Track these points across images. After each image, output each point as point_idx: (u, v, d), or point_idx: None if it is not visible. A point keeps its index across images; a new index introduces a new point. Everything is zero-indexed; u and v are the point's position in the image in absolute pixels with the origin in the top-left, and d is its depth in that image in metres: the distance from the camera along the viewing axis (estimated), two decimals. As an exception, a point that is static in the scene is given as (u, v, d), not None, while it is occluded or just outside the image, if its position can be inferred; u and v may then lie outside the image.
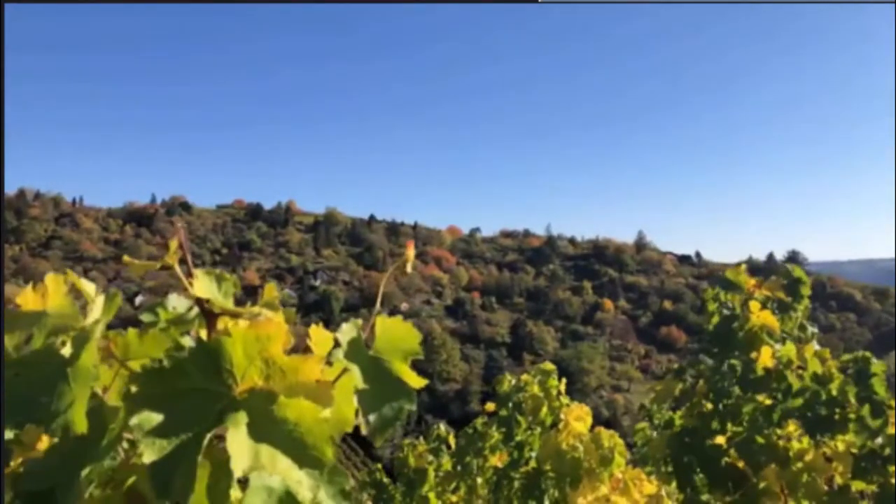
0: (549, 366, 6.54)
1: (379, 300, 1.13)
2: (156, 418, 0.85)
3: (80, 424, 0.89)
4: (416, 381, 1.03)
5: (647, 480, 5.32)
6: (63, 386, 0.91)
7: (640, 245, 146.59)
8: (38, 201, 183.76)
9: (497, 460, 6.98)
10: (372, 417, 0.99)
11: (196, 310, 1.20)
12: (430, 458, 7.89)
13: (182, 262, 1.02)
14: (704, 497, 4.32)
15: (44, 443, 1.12)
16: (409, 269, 1.12)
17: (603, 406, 72.73)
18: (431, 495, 7.54)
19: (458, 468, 7.35)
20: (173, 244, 1.03)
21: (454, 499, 7.31)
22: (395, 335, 1.06)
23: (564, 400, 6.25)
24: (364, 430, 0.98)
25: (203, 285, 0.99)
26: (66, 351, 0.95)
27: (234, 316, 0.98)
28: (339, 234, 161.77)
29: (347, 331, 1.02)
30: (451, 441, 7.98)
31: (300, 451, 0.89)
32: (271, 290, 1.03)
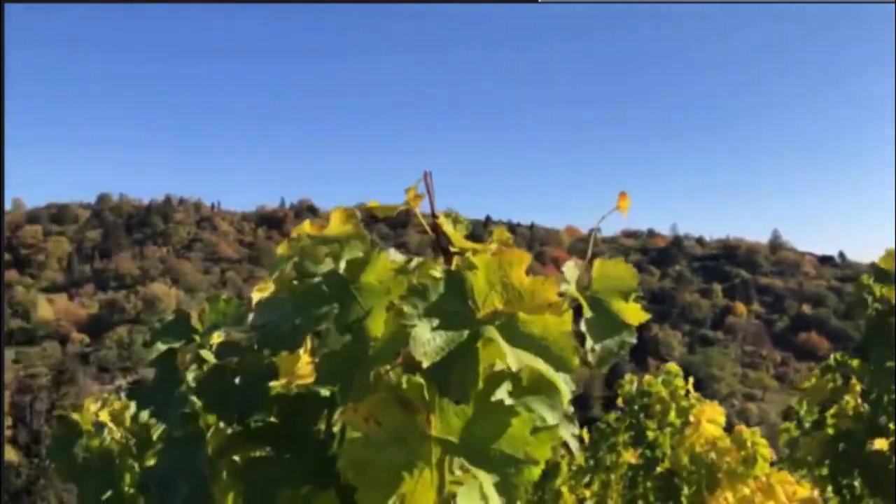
0: (673, 367, 6.39)
1: (590, 249, 1.21)
2: (425, 328, 0.99)
3: (377, 329, 1.05)
4: (636, 317, 1.09)
5: (798, 484, 5.07)
6: (351, 301, 1.06)
7: (776, 245, 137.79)
8: (182, 206, 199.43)
9: (632, 457, 6.88)
10: (597, 347, 1.07)
11: (416, 261, 1.33)
12: (563, 451, 7.90)
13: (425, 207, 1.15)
14: (866, 504, 4.07)
15: (303, 366, 1.29)
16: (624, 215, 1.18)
17: (735, 415, 69.01)
18: (564, 489, 7.55)
19: (591, 463, 7.31)
20: (411, 191, 1.17)
21: (587, 493, 7.27)
22: (613, 275, 1.14)
23: (694, 400, 6.08)
24: (590, 359, 1.07)
25: (445, 225, 1.11)
26: (347, 271, 1.06)
27: (469, 251, 1.10)
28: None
29: (571, 268, 1.11)
30: (585, 436, 7.95)
31: (549, 358, 1.00)
32: (503, 232, 1.14)
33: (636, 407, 6.09)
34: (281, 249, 1.18)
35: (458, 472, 0.97)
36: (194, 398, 1.25)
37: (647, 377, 6.17)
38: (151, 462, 2.41)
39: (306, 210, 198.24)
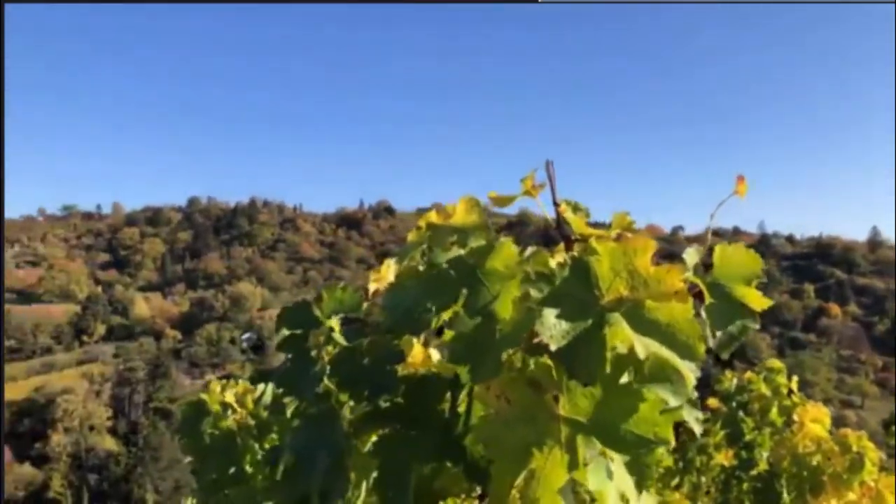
0: (776, 363, 6.13)
1: (709, 236, 1.23)
2: (551, 313, 1.03)
3: (505, 310, 1.09)
4: (758, 303, 1.11)
5: (906, 492, 4.80)
6: (479, 286, 1.12)
7: (875, 243, 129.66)
8: (266, 208, 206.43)
9: (724, 458, 6.66)
10: (719, 333, 1.09)
11: (530, 249, 1.38)
12: (648, 452, 7.74)
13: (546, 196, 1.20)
14: None
15: (416, 352, 1.37)
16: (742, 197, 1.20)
17: (831, 422, 65.36)
18: (652, 490, 7.38)
19: (680, 464, 7.12)
20: (528, 181, 1.22)
21: (676, 496, 7.08)
22: (735, 261, 1.15)
23: (797, 399, 5.83)
24: (711, 345, 1.09)
25: (567, 212, 1.16)
26: (473, 257, 1.13)
27: (592, 238, 1.14)
28: (532, 234, 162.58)
29: (692, 255, 1.13)
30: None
31: (675, 346, 1.02)
32: (624, 218, 1.18)
33: (734, 404, 5.87)
34: (410, 238, 1.25)
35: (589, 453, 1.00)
36: (327, 378, 1.34)
37: (749, 373, 5.96)
38: (270, 444, 2.57)
39: (384, 211, 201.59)
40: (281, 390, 1.46)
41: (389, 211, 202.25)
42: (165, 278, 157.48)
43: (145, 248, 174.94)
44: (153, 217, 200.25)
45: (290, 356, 1.44)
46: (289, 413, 1.49)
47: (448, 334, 1.33)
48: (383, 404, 1.28)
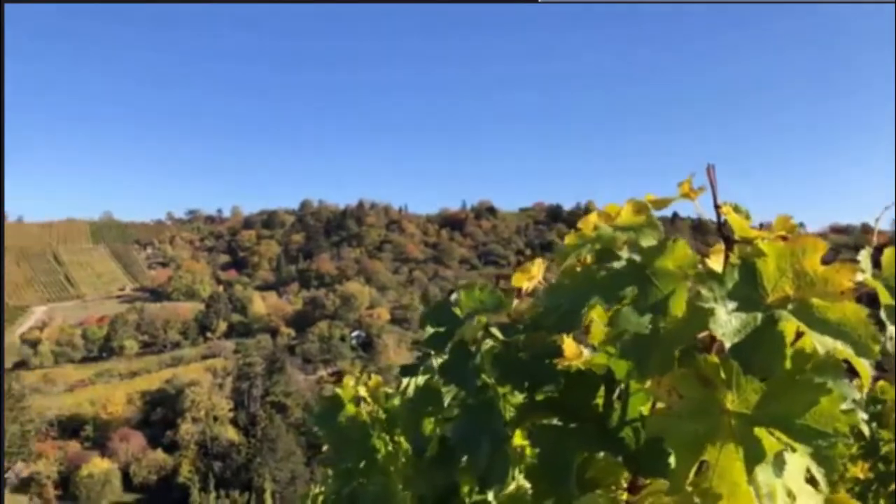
0: (912, 372, 5.65)
1: (875, 238, 1.21)
2: (722, 311, 1.07)
3: (679, 308, 1.13)
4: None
5: None
6: (649, 285, 1.16)
7: None
8: (373, 210, 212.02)
9: (859, 471, 6.25)
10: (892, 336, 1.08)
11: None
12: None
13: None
14: None
15: (568, 347, 1.43)
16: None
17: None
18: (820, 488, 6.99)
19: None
20: (686, 185, 1.24)
21: (842, 494, 6.66)
22: (907, 262, 1.13)
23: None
24: (888, 347, 1.07)
25: (730, 214, 1.17)
26: (642, 257, 1.17)
27: (756, 239, 1.15)
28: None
29: (866, 257, 1.12)
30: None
31: (850, 344, 1.04)
32: (787, 220, 1.18)
33: (867, 416, 5.49)
34: (568, 240, 1.31)
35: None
36: (485, 371, 1.43)
37: (881, 383, 5.57)
38: (402, 437, 2.69)
39: (486, 211, 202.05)
40: (430, 383, 1.55)
41: (491, 211, 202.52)
42: (280, 278, 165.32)
43: (261, 249, 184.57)
44: (268, 220, 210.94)
45: (450, 351, 1.53)
46: (445, 402, 1.58)
47: (597, 331, 1.37)
48: (541, 396, 1.35)
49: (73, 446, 68.91)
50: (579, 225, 1.30)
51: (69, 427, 72.84)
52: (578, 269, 1.29)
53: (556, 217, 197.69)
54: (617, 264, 1.19)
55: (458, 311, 1.74)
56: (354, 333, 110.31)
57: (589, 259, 1.26)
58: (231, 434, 70.31)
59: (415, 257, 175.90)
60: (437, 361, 2.03)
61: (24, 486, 63.56)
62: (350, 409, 2.89)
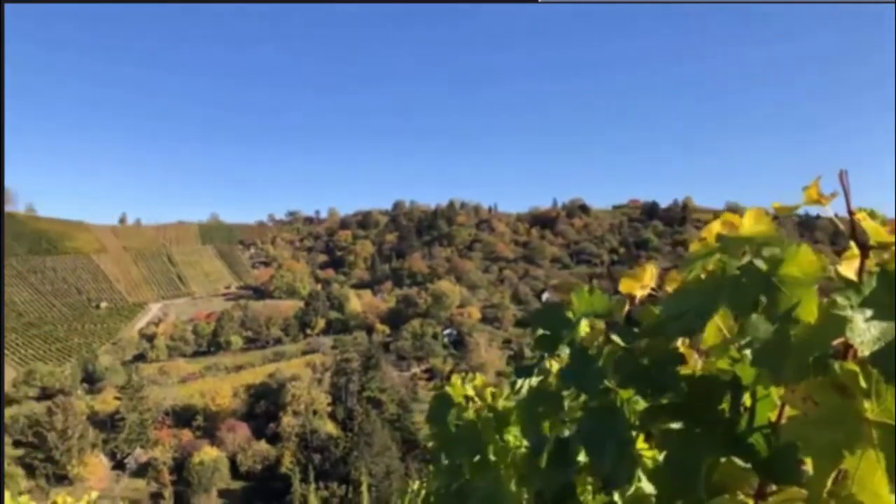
0: None
1: None
2: (859, 319, 1.06)
3: (810, 315, 1.12)
4: None
5: None
6: (777, 292, 1.16)
7: None
8: (464, 210, 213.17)
9: None
10: None
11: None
12: None
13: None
14: None
15: (688, 355, 1.44)
16: None
17: None
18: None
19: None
20: (813, 190, 1.24)
21: None
22: None
23: None
24: None
25: (865, 220, 1.16)
26: (768, 264, 1.18)
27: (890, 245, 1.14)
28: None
29: None
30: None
31: None
32: (931, 225, 1.15)
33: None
34: (692, 248, 1.33)
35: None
36: (609, 376, 1.46)
37: None
38: (510, 436, 2.75)
39: (578, 209, 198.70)
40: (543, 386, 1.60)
41: (583, 209, 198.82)
42: (375, 276, 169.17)
43: (357, 248, 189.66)
44: (363, 220, 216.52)
45: (571, 354, 1.58)
46: (565, 404, 1.63)
47: (711, 337, 1.38)
48: (664, 401, 1.37)
49: (186, 435, 73.37)
50: (702, 234, 1.31)
51: (182, 417, 77.57)
52: (703, 276, 1.31)
53: (652, 214, 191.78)
54: (742, 272, 1.19)
55: (569, 313, 1.78)
56: (446, 331, 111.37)
57: (712, 266, 1.27)
58: (329, 428, 72.68)
59: (505, 256, 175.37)
60: (550, 364, 2.08)
61: (142, 470, 68.35)
62: (459, 407, 2.97)
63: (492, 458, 2.76)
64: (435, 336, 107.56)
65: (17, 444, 64.83)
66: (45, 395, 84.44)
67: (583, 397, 1.54)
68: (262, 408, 77.85)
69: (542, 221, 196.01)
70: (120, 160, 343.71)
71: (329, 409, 77.27)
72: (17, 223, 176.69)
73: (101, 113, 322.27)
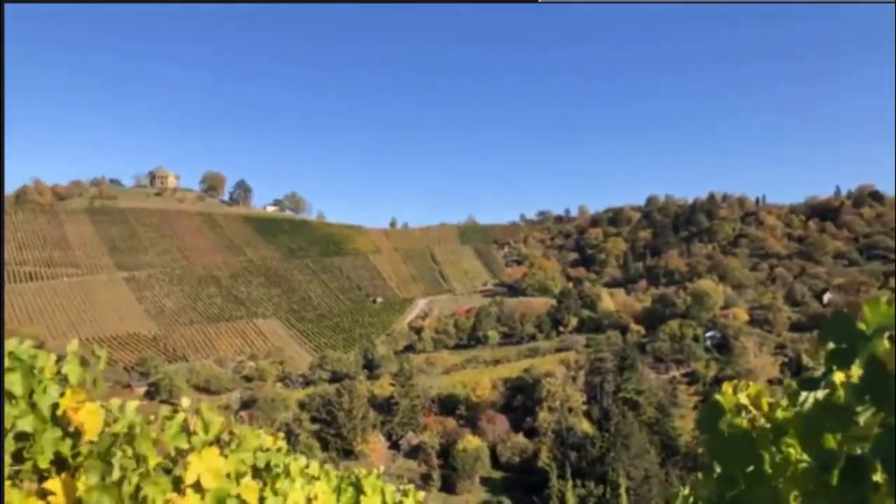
0: None
1: None
2: None
3: None
4: None
5: None
6: None
7: None
8: (726, 203, 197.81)
9: None
10: None
11: None
12: None
13: None
14: None
15: None
16: None
17: None
18: None
19: None
20: None
21: None
22: None
23: None
24: None
25: None
26: None
27: None
28: None
29: None
30: None
31: None
32: None
33: None
34: None
35: None
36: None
37: None
38: (791, 449, 2.63)
39: (867, 197, 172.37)
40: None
41: (875, 196, 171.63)
42: (628, 275, 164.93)
43: (608, 246, 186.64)
44: (614, 217, 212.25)
45: (865, 370, 1.54)
46: (861, 420, 1.57)
47: None
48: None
49: (450, 423, 78.69)
50: None
51: (447, 405, 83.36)
52: None
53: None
54: None
55: (862, 325, 1.72)
56: (708, 334, 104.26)
57: None
58: (585, 426, 72.56)
59: (776, 252, 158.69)
60: (836, 377, 1.99)
61: (413, 452, 74.95)
62: (732, 415, 2.92)
63: (768, 470, 2.68)
64: (696, 338, 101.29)
65: (313, 420, 75.24)
66: (335, 378, 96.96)
67: (880, 414, 1.48)
68: (519, 401, 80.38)
69: (822, 212, 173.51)
70: (391, 169, 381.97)
71: (584, 407, 77.15)
72: (311, 228, 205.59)
73: (377, 131, 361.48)
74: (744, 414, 2.93)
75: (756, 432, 2.81)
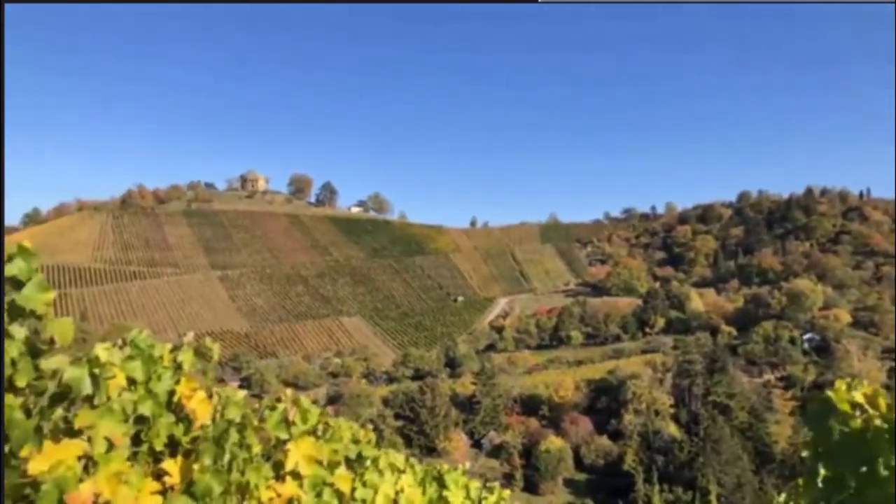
0: None
1: None
2: None
3: None
4: None
5: None
6: None
7: None
8: (825, 198, 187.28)
9: None
10: None
11: None
12: None
13: None
14: None
15: None
16: None
17: None
18: None
19: None
20: None
21: None
22: None
23: None
24: None
25: None
26: None
27: None
28: None
29: None
30: None
31: None
32: None
33: None
34: None
35: None
36: None
37: None
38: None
39: None
40: None
41: None
42: (718, 274, 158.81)
43: (697, 244, 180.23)
44: (703, 214, 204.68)
45: None
46: None
47: None
48: None
49: (532, 423, 78.05)
50: None
51: (529, 405, 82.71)
52: None
53: None
54: None
55: None
56: (806, 336, 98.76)
57: None
58: (672, 430, 70.34)
59: (883, 250, 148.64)
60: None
61: (495, 451, 74.85)
62: (844, 415, 2.77)
63: (883, 472, 2.54)
64: (792, 341, 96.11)
65: (396, 416, 76.43)
66: (417, 375, 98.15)
67: None
68: (604, 403, 78.80)
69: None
70: (472, 169, 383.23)
71: (671, 410, 74.78)
72: (393, 229, 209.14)
73: (457, 132, 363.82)
74: (858, 413, 2.77)
75: (871, 433, 2.65)
